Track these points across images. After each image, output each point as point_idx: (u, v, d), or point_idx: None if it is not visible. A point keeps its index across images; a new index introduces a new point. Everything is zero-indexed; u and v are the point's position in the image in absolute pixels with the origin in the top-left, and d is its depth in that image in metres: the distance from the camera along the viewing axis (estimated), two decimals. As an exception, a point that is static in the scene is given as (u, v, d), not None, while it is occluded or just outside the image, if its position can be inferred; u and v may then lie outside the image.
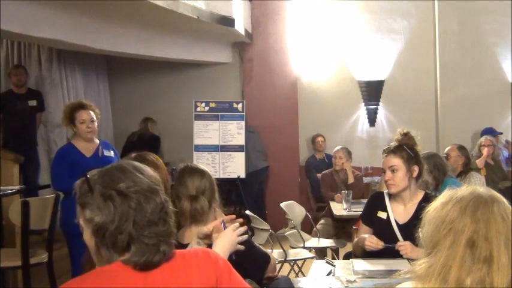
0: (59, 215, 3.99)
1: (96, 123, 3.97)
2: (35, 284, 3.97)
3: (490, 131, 6.91)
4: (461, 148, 4.80)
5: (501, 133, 7.10)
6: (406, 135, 2.98)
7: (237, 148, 6.50)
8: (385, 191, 3.04)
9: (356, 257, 2.96)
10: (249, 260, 2.41)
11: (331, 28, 7.52)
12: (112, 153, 4.10)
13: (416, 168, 2.90)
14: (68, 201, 3.85)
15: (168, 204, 1.40)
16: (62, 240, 4.08)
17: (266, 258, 2.52)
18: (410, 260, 2.67)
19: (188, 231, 2.36)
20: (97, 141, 4.07)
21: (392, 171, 2.88)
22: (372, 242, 2.76)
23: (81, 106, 3.95)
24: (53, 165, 4.00)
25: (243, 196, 6.37)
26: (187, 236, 2.34)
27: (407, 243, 2.69)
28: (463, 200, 1.32)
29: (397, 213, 2.95)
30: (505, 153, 6.75)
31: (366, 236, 2.90)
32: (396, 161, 2.89)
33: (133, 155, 2.00)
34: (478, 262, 1.23)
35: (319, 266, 2.80)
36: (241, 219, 2.11)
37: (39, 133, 6.57)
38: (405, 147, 2.91)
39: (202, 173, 2.44)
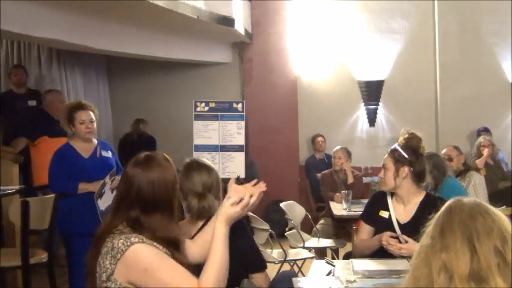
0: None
1: (95, 124, 3.95)
2: (34, 284, 3.98)
3: (483, 131, 6.92)
4: (457, 148, 4.83)
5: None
6: (409, 135, 2.97)
7: (237, 148, 6.49)
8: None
9: (356, 257, 2.97)
10: (245, 254, 2.40)
11: (331, 28, 7.52)
12: (110, 153, 4.06)
13: (406, 170, 2.89)
14: (65, 202, 3.85)
15: None
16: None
17: (258, 264, 2.49)
18: (410, 259, 2.67)
19: (194, 226, 2.37)
20: (95, 141, 4.03)
21: (385, 170, 2.94)
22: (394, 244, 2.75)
23: (80, 106, 3.92)
24: (51, 166, 3.99)
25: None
26: (193, 229, 2.35)
27: (409, 245, 2.69)
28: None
29: (398, 212, 2.96)
30: (501, 154, 6.75)
31: (371, 239, 2.92)
32: (387, 161, 2.95)
33: (142, 155, 1.99)
34: (435, 252, 1.32)
35: (319, 266, 2.80)
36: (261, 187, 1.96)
37: (39, 133, 6.57)
38: (399, 149, 2.92)
39: (209, 170, 2.45)
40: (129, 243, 1.78)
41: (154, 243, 1.82)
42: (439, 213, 1.41)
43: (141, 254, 1.77)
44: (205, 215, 2.35)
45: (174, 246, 1.88)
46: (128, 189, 1.90)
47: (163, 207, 1.90)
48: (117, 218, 1.89)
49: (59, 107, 5.29)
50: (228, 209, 1.87)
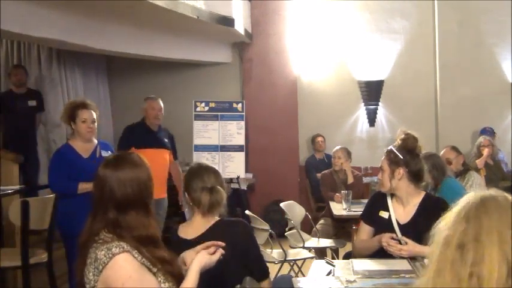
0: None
1: (96, 124, 3.96)
2: (34, 284, 3.97)
3: (487, 132, 6.91)
4: (455, 148, 4.79)
5: (495, 134, 7.06)
6: (405, 136, 2.97)
7: (237, 148, 6.50)
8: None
9: (356, 257, 2.97)
10: (251, 261, 2.44)
11: (331, 28, 7.53)
12: (110, 154, 4.07)
13: (401, 171, 2.89)
14: (65, 202, 3.84)
15: None
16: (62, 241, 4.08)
17: (264, 271, 2.54)
18: (410, 259, 2.68)
19: (205, 220, 2.44)
20: (95, 141, 4.03)
21: (382, 171, 2.96)
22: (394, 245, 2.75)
23: (83, 105, 3.93)
24: (50, 166, 3.98)
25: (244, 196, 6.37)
26: (205, 223, 2.43)
27: (408, 246, 2.69)
28: (459, 207, 1.28)
29: (398, 213, 2.95)
30: (501, 154, 6.75)
31: (371, 240, 2.92)
32: (383, 162, 2.95)
33: (112, 156, 2.03)
34: (466, 265, 1.18)
35: (318, 266, 2.80)
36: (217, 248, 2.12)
37: (39, 133, 6.57)
38: (394, 150, 2.92)
39: (216, 172, 2.53)
40: (110, 255, 1.79)
41: (135, 252, 1.83)
42: (468, 210, 1.23)
43: (121, 269, 1.79)
44: (216, 207, 2.42)
45: (153, 244, 1.91)
46: (101, 191, 1.92)
47: (138, 205, 1.92)
48: (96, 221, 1.90)
49: (151, 113, 5.35)
50: (204, 258, 2.00)
